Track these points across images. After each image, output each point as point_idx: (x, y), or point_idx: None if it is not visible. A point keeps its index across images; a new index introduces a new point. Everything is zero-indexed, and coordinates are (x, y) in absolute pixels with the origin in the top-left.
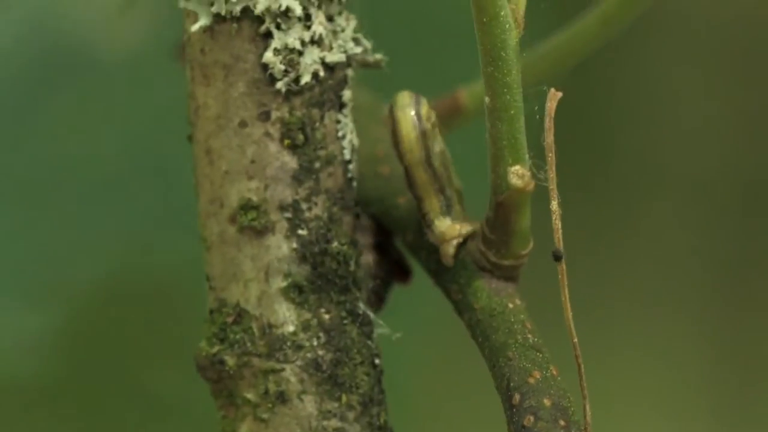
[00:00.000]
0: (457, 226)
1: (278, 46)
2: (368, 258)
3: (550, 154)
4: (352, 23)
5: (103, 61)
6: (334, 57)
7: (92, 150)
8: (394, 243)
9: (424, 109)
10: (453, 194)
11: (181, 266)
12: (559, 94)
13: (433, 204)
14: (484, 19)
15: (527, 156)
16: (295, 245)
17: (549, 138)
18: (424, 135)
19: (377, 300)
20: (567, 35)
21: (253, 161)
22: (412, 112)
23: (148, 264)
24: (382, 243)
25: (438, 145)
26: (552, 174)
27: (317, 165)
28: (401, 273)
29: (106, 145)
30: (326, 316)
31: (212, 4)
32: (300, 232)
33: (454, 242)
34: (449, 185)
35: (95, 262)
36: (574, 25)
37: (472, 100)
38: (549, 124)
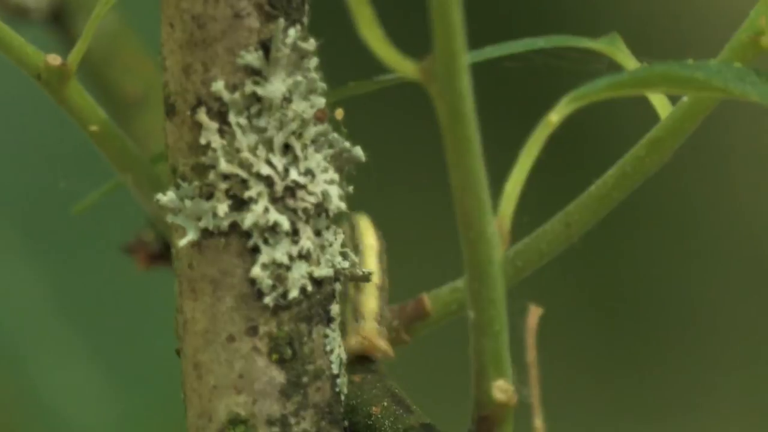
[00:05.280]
0: (382, 344)
1: (266, 261)
2: None
3: (533, 371)
4: (340, 237)
5: None
6: (322, 271)
7: None
8: None
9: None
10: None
11: None
12: (540, 310)
13: (374, 302)
14: (471, 236)
15: (510, 370)
16: None
17: (531, 355)
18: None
19: None
20: (532, 238)
21: (241, 376)
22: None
23: None
24: None
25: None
26: (535, 391)
27: (305, 380)
28: None
29: None
30: None
31: (200, 219)
32: None
33: (356, 344)
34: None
35: None
36: (538, 230)
37: (436, 305)
38: (531, 340)
